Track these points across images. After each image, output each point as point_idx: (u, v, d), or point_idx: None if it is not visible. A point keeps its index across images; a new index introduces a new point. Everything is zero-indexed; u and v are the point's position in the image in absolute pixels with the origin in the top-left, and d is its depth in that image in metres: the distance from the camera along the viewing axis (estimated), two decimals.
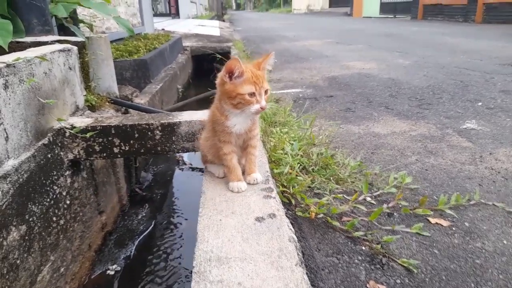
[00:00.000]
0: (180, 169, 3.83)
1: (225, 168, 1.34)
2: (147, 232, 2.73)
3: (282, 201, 1.36)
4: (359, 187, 1.66)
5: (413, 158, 2.06)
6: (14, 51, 2.08)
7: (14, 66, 1.64)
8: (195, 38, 8.91)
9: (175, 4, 16.11)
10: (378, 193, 1.61)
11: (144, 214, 2.95)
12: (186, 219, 2.89)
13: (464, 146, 2.23)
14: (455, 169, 1.91)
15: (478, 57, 5.25)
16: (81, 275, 2.19)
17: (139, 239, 2.64)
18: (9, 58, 1.66)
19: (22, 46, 2.27)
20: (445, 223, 1.42)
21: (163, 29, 8.97)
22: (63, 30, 2.81)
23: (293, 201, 1.47)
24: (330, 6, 29.73)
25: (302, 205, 1.46)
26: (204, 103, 5.27)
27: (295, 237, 1.05)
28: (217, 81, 1.22)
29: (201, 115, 2.27)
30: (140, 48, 4.96)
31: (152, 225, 2.81)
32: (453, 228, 1.39)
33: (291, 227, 1.14)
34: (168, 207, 3.09)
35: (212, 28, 12.29)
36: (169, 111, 4.66)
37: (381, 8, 18.96)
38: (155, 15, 11.79)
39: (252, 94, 1.15)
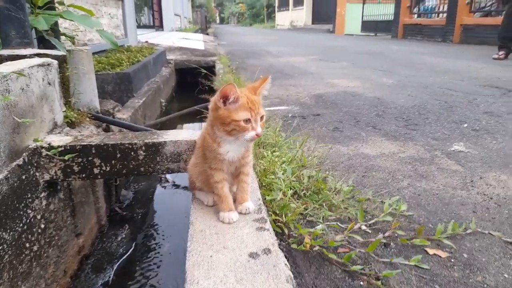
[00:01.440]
0: (162, 186, 3.71)
1: (215, 197, 1.26)
2: (126, 255, 2.60)
3: (274, 230, 1.29)
4: (353, 214, 1.60)
5: (405, 182, 2.03)
6: None
7: None
8: (179, 51, 8.84)
9: (159, 16, 16.06)
10: (373, 221, 1.56)
11: (124, 236, 2.82)
12: (168, 241, 2.77)
13: (454, 169, 2.22)
14: (447, 195, 1.88)
15: (459, 78, 5.36)
16: None
17: (118, 263, 2.51)
18: None
19: None
20: (443, 254, 1.37)
21: (146, 42, 8.87)
22: (43, 42, 2.69)
23: (286, 231, 1.40)
24: (313, 22, 30.25)
25: (295, 235, 1.39)
26: (187, 118, 5.18)
27: (292, 276, 0.98)
28: (210, 106, 1.15)
29: (187, 134, 2.19)
30: (123, 61, 4.86)
31: (132, 248, 2.68)
32: (452, 260, 1.35)
33: (286, 262, 1.06)
34: (150, 228, 2.97)
35: (197, 41, 12.26)
36: (152, 126, 4.56)
37: (362, 26, 19.41)
38: (139, 27, 11.68)
39: (247, 121, 1.08)
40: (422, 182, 2.04)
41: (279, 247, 1.13)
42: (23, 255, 1.74)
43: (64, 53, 2.52)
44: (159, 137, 2.14)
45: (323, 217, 1.56)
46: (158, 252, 2.62)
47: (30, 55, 2.24)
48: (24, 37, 2.40)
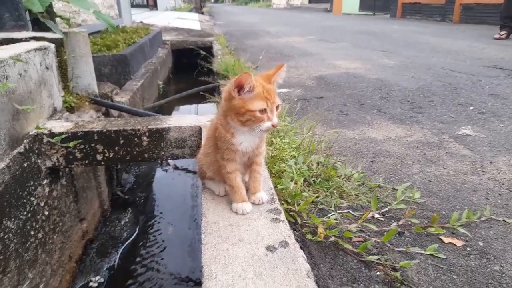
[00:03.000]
0: (163, 170, 3.68)
1: (228, 187, 1.22)
2: (131, 239, 2.59)
3: (288, 220, 1.26)
4: (365, 201, 1.58)
5: (415, 168, 2.00)
6: None
7: None
8: (175, 31, 8.65)
9: None
10: (386, 209, 1.53)
11: (127, 220, 2.80)
12: (172, 224, 2.76)
13: (463, 154, 2.19)
14: (458, 180, 1.86)
15: (462, 58, 5.29)
16: None
17: (123, 247, 2.50)
18: None
19: None
20: (458, 242, 1.35)
21: (141, 22, 8.66)
22: (38, 25, 2.59)
23: (299, 220, 1.37)
24: (310, 1, 29.71)
25: (309, 224, 1.36)
26: (185, 100, 5.10)
27: (310, 270, 0.95)
28: (223, 95, 1.09)
29: (190, 120, 2.14)
30: (119, 43, 4.73)
31: (136, 231, 2.66)
32: (468, 249, 1.33)
33: (303, 254, 1.03)
34: (152, 211, 2.95)
35: (192, 21, 12.01)
36: (151, 109, 4.49)
37: (360, 5, 19.06)
38: (133, 6, 11.38)
39: (263, 111, 1.03)
40: (432, 167, 2.01)
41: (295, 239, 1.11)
42: (29, 242, 1.72)
43: (61, 36, 2.43)
44: (162, 123, 2.08)
45: (334, 205, 1.53)
46: (162, 236, 2.61)
47: (26, 38, 2.15)
48: (19, 19, 2.31)
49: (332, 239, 1.28)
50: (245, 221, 1.14)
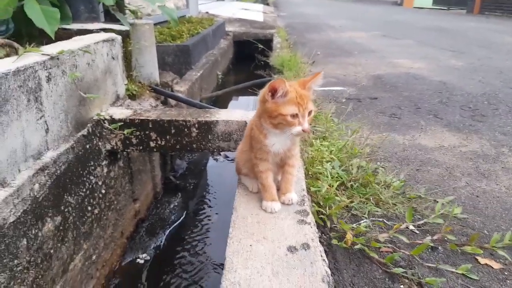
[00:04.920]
0: (214, 159, 3.83)
1: (259, 185, 1.27)
2: (178, 222, 2.75)
3: (316, 222, 1.28)
4: (401, 211, 1.55)
5: (463, 181, 1.90)
6: (61, 38, 2.10)
7: (58, 59, 1.65)
8: (238, 23, 8.81)
9: None
10: (422, 222, 1.49)
11: (176, 204, 2.97)
12: (217, 213, 2.88)
13: None
14: (510, 199, 1.74)
15: None
16: (112, 262, 2.24)
17: (170, 229, 2.67)
18: (53, 50, 1.66)
19: (68, 33, 2.29)
20: (496, 265, 1.29)
21: (207, 12, 8.93)
22: (109, 16, 2.82)
23: (328, 223, 1.39)
24: None
25: (338, 228, 1.37)
26: (242, 92, 5.21)
27: (329, 275, 0.98)
28: (259, 98, 1.15)
29: (238, 114, 2.21)
30: (183, 33, 4.95)
31: (184, 216, 2.82)
32: (505, 273, 1.26)
33: (325, 258, 1.06)
34: (200, 198, 3.10)
35: (256, 12, 12.12)
36: (208, 99, 4.66)
37: None
38: None
39: (294, 116, 1.07)
40: (483, 182, 1.90)
41: (319, 240, 1.14)
42: (85, 217, 1.91)
43: (128, 28, 2.61)
44: (211, 116, 2.18)
45: (368, 212, 1.52)
46: (207, 222, 2.74)
47: (97, 30, 2.36)
48: (92, 11, 2.53)
49: (359, 246, 1.29)
50: (272, 219, 1.19)
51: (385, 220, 1.50)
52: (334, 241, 1.30)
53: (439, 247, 1.38)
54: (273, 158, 1.21)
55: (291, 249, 1.05)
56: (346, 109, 2.73)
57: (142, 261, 2.36)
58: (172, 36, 4.75)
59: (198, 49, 5.04)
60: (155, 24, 4.97)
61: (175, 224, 2.73)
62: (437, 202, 1.58)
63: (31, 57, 1.51)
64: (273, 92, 1.07)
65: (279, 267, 0.98)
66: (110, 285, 2.15)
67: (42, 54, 1.57)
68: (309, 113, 1.10)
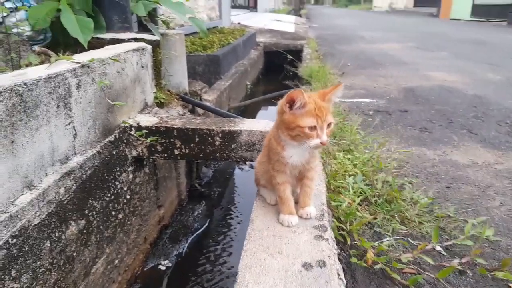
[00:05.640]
0: (239, 168, 3.83)
1: (277, 198, 1.25)
2: (201, 230, 2.76)
3: (336, 238, 1.24)
4: (428, 231, 1.47)
5: (497, 201, 1.79)
6: (95, 47, 2.18)
7: (88, 67, 1.71)
8: (269, 33, 8.87)
9: None
10: (450, 243, 1.41)
11: (200, 211, 2.98)
12: (239, 223, 2.87)
13: None
14: None
15: None
16: (135, 267, 2.27)
17: (192, 237, 2.67)
18: (84, 58, 1.73)
19: (101, 42, 2.37)
20: None
21: (239, 23, 9.06)
22: (142, 26, 2.91)
23: (348, 240, 1.34)
24: (414, 5, 27.82)
25: (358, 246, 1.32)
26: (271, 102, 5.22)
27: None
28: (277, 108, 1.13)
29: (262, 125, 2.20)
30: (214, 43, 5.04)
31: (207, 224, 2.83)
32: None
33: (343, 277, 1.02)
34: (224, 207, 3.10)
35: (288, 23, 12.17)
36: (236, 108, 4.70)
37: (473, 10, 17.27)
38: (234, 7, 11.96)
39: (313, 128, 1.04)
40: None
41: (338, 258, 1.09)
42: (109, 221, 1.94)
43: (158, 38, 2.68)
44: (235, 125, 2.19)
45: (392, 230, 1.46)
46: (229, 232, 2.73)
47: (128, 39, 2.43)
48: (125, 21, 2.61)
49: (380, 266, 1.23)
50: (288, 233, 1.16)
51: (410, 239, 1.43)
52: (353, 260, 1.25)
53: (468, 271, 1.30)
54: (291, 171, 1.19)
55: (306, 266, 1.02)
56: (374, 122, 2.66)
57: (163, 268, 2.37)
58: (203, 46, 4.85)
59: (228, 59, 5.11)
60: (188, 35, 5.10)
61: (198, 232, 2.74)
62: (467, 222, 1.50)
63: (62, 64, 1.57)
64: (291, 103, 1.05)
65: (292, 284, 0.95)
66: None
67: (73, 62, 1.63)
68: (328, 125, 1.07)
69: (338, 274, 1.01)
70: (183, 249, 2.56)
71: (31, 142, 1.34)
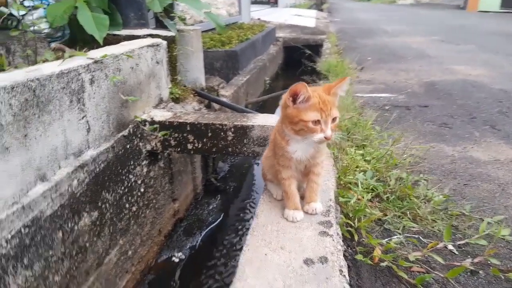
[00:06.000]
0: (255, 163, 3.82)
1: (283, 193, 1.24)
2: (215, 224, 2.78)
3: (343, 235, 1.22)
4: (441, 229, 1.42)
5: None
6: (111, 43, 2.21)
7: (102, 62, 1.73)
8: (289, 29, 8.80)
9: None
10: (463, 242, 1.36)
11: (215, 205, 3.01)
12: (253, 217, 2.86)
13: None
14: None
15: None
16: (148, 258, 2.31)
17: (206, 230, 2.70)
18: (98, 54, 1.75)
19: (117, 39, 2.41)
20: None
21: (259, 19, 9.03)
22: (159, 22, 2.94)
23: (356, 237, 1.32)
24: None
25: (365, 243, 1.29)
26: None
27: None
28: (281, 103, 1.11)
29: (274, 119, 2.19)
30: (233, 39, 5.04)
31: (221, 218, 2.85)
32: None
33: (346, 274, 1.00)
34: (239, 201, 3.11)
35: (309, 18, 12.04)
36: (254, 103, 4.69)
37: (503, 2, 16.54)
38: (255, 2, 11.93)
39: (316, 122, 1.02)
40: None
41: (344, 254, 1.08)
42: (123, 214, 1.98)
43: (173, 34, 2.70)
44: (248, 120, 2.18)
45: (403, 228, 1.42)
46: (243, 226, 2.74)
47: (144, 35, 2.46)
48: (141, 18, 2.64)
49: (387, 263, 1.20)
50: (292, 229, 1.15)
51: (421, 237, 1.39)
52: (359, 256, 1.22)
53: (480, 272, 1.25)
54: (296, 166, 1.17)
55: (307, 262, 1.00)
56: (391, 117, 2.59)
57: (177, 260, 2.41)
58: (222, 42, 4.85)
59: (246, 54, 5.09)
60: (207, 31, 5.11)
61: (212, 226, 2.76)
62: (483, 220, 1.44)
63: (76, 60, 1.60)
64: (294, 96, 1.03)
65: (292, 280, 0.94)
66: (144, 280, 2.22)
67: (87, 58, 1.66)
68: (333, 119, 1.04)
69: (341, 271, 0.99)
70: (197, 242, 2.59)
71: (44, 136, 1.38)
